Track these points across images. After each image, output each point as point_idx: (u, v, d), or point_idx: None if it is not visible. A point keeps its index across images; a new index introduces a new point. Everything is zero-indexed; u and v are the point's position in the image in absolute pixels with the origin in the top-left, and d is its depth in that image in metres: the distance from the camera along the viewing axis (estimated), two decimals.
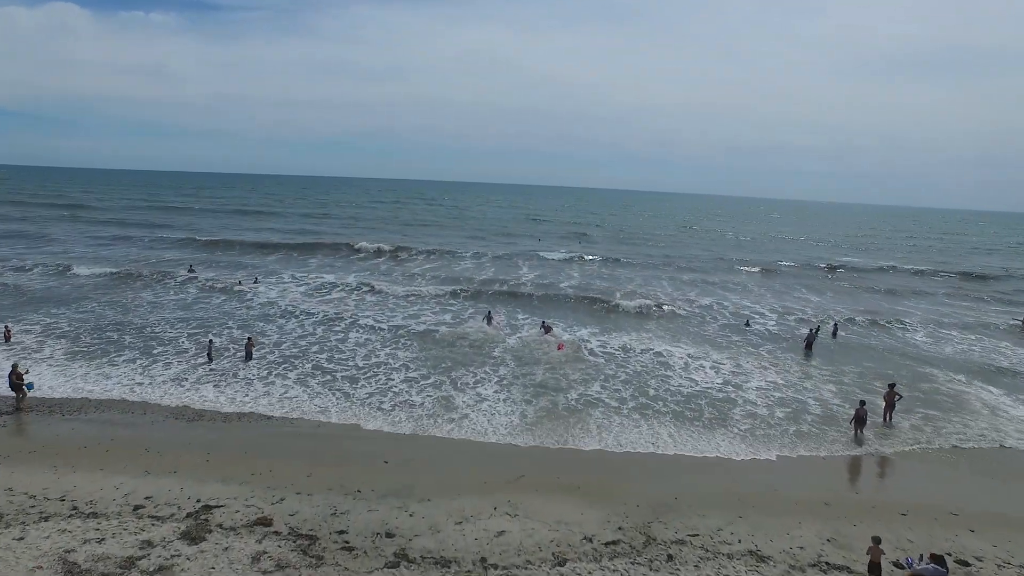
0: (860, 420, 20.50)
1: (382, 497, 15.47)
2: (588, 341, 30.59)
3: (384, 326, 31.83)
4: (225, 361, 25.16)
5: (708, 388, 24.22)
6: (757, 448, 18.96)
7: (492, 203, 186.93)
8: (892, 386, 22.39)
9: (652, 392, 23.36)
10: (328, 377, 23.56)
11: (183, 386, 22.25)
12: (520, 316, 36.38)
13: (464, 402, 21.45)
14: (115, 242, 61.54)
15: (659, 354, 28.90)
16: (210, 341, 26.15)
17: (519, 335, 31.68)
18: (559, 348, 28.82)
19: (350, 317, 33.36)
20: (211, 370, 23.88)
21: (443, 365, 25.64)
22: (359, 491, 15.69)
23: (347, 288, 40.45)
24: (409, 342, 29.01)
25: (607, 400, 22.25)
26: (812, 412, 22.24)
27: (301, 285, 41.42)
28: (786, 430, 20.48)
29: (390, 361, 25.96)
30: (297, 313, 33.83)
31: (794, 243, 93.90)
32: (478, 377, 24.27)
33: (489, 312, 34.51)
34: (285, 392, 21.85)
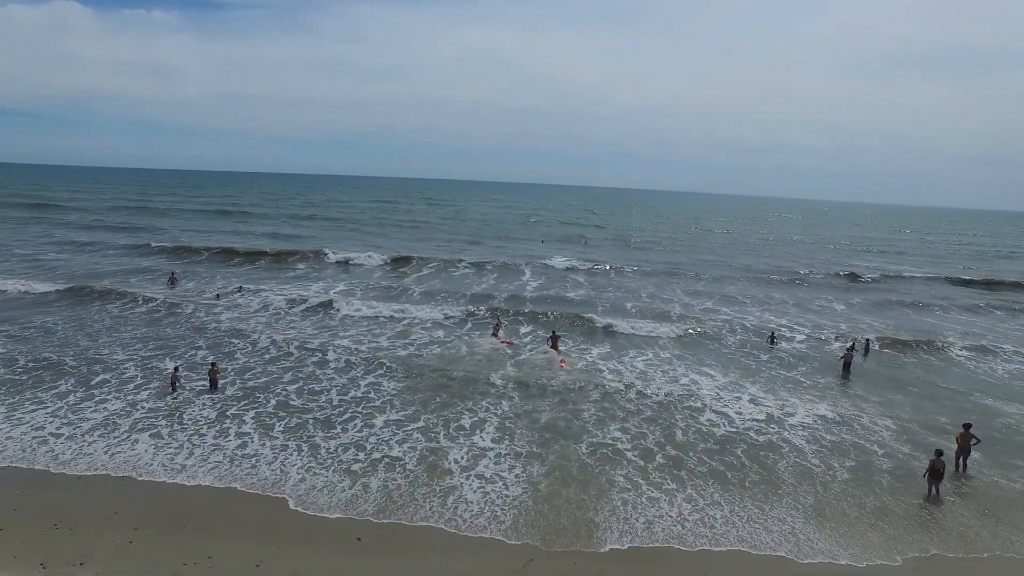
0: (936, 474, 16.86)
1: None
2: (601, 368, 26.89)
3: (370, 347, 28.08)
4: (186, 392, 21.51)
5: (746, 429, 20.50)
6: (830, 540, 14.22)
7: (492, 202, 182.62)
8: (967, 427, 18.73)
9: (681, 436, 19.65)
10: (296, 420, 19.70)
11: (114, 435, 18.08)
12: (523, 330, 33.03)
13: (457, 460, 17.36)
14: (70, 249, 54.77)
15: (681, 382, 25.35)
16: (175, 369, 22.67)
17: (524, 353, 28.58)
18: (561, 364, 26.49)
19: (331, 336, 29.70)
20: (151, 410, 19.87)
21: (436, 400, 21.93)
22: None
23: (330, 302, 36.59)
24: (397, 368, 25.29)
25: (629, 453, 18.26)
26: (881, 467, 18.39)
27: (278, 297, 37.37)
28: (861, 503, 15.99)
29: (372, 395, 22.17)
30: (270, 332, 30.04)
31: (804, 246, 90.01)
32: (476, 416, 20.55)
33: (497, 323, 32.18)
34: (242, 445, 17.71)
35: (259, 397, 21.57)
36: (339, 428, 19.18)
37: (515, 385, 23.77)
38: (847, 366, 28.12)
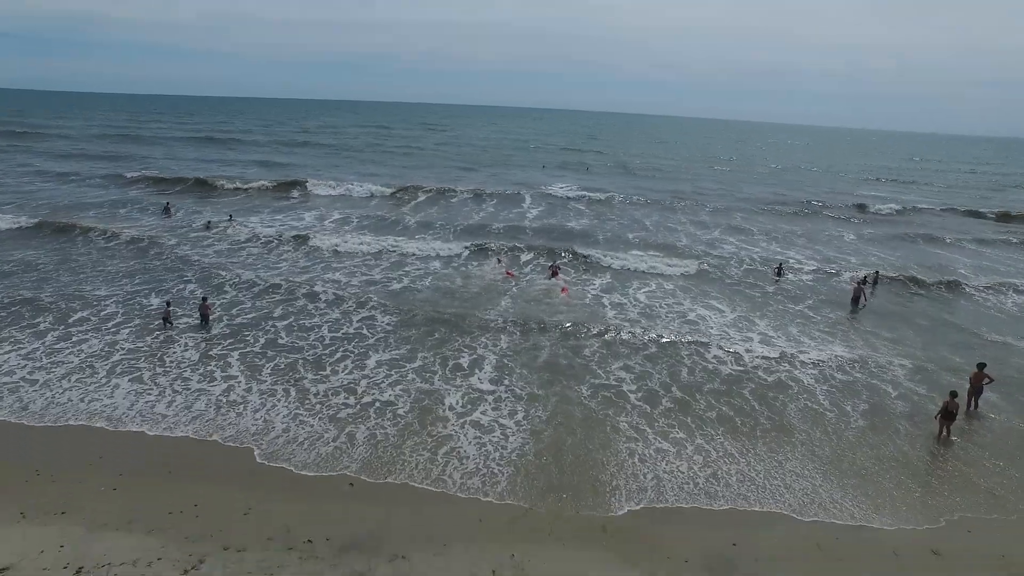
0: (949, 415, 16.20)
1: (341, 551, 11.33)
2: (604, 301, 25.92)
3: (362, 281, 27.04)
4: (172, 332, 20.58)
5: (754, 367, 19.68)
6: (856, 501, 13.24)
7: (492, 127, 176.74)
8: (982, 367, 17.97)
9: (686, 377, 18.86)
10: (285, 360, 18.82)
11: (93, 379, 17.18)
12: (524, 258, 32.25)
13: (453, 405, 16.47)
14: (52, 179, 52.25)
15: (686, 316, 24.46)
16: (167, 304, 21.73)
17: (524, 283, 28.06)
18: (563, 292, 26.29)
19: (323, 269, 28.56)
20: (131, 352, 18.89)
21: (432, 337, 21.01)
22: (310, 541, 11.54)
23: (321, 234, 35.20)
24: (391, 303, 24.32)
25: (634, 397, 17.37)
26: (894, 410, 17.57)
27: (268, 228, 35.82)
28: (880, 453, 15.07)
29: (365, 332, 21.27)
30: (259, 265, 28.93)
31: (813, 175, 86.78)
32: (475, 354, 19.72)
33: (500, 254, 31.84)
34: (228, 389, 16.86)
35: (247, 335, 20.68)
36: (329, 370, 18.33)
37: (514, 320, 22.86)
38: (856, 300, 27.31)
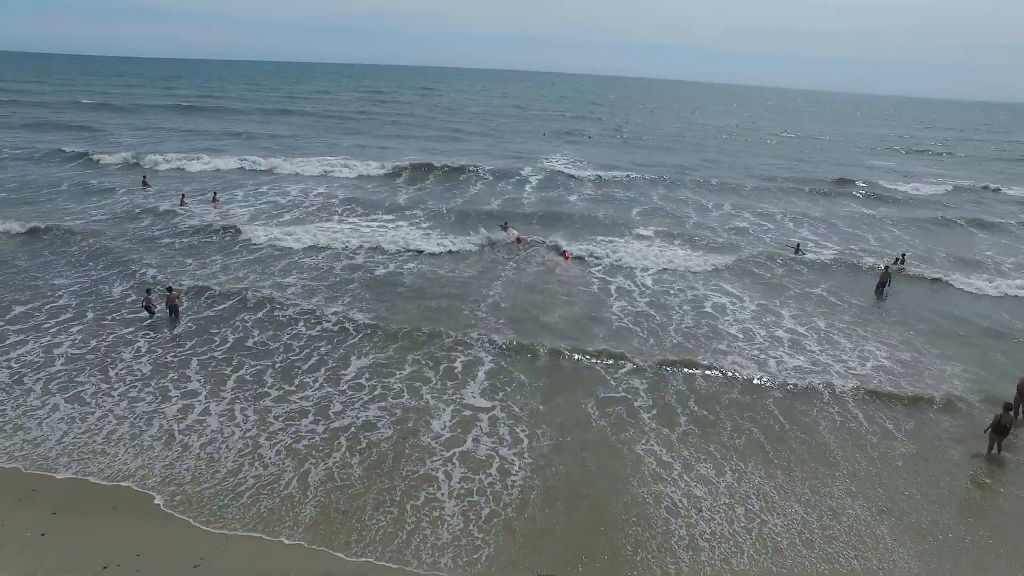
0: (1002, 430, 14.25)
1: None
2: (609, 287, 23.67)
3: (345, 267, 24.70)
4: (129, 328, 18.33)
5: (779, 370, 17.54)
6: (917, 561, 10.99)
7: (489, 92, 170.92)
8: None
9: (703, 386, 16.55)
10: (252, 369, 16.54)
11: (20, 401, 14.68)
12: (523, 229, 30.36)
13: (440, 431, 13.99)
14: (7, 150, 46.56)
15: (701, 305, 22.25)
16: (147, 292, 19.81)
17: (523, 258, 26.85)
18: (564, 256, 26.84)
19: (301, 255, 26.06)
20: (72, 359, 16.58)
21: (420, 332, 18.72)
22: None
23: (299, 214, 32.47)
24: (375, 290, 22.09)
25: (647, 416, 14.99)
26: (941, 426, 15.47)
27: (243, 209, 33.10)
28: (939, 494, 12.76)
29: (347, 328, 18.93)
30: (235, 247, 26.57)
31: (827, 145, 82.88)
32: (469, 354, 17.54)
33: (506, 223, 30.69)
34: (184, 411, 14.43)
35: (214, 333, 18.47)
36: (298, 382, 15.95)
37: (510, 308, 20.66)
38: (882, 286, 25.25)
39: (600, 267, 26.21)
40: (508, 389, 16.02)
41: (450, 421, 14.47)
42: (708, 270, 26.32)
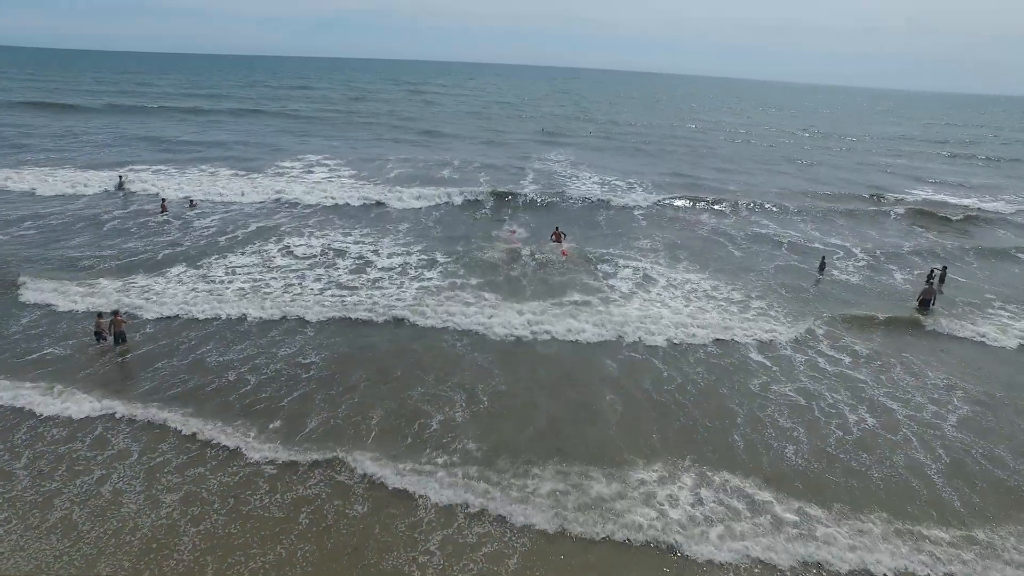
0: None
1: None
2: (617, 321, 20.25)
3: (315, 304, 21.66)
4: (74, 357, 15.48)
5: (840, 440, 14.15)
6: None
7: (478, 90, 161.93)
8: None
9: (739, 451, 13.73)
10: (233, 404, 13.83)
11: None
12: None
13: None
14: None
15: (725, 344, 18.93)
16: (99, 316, 17.58)
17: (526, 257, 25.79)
18: (563, 254, 26.01)
19: (263, 272, 23.10)
20: None
21: (394, 376, 15.92)
22: None
23: (269, 228, 28.85)
24: (351, 325, 19.15)
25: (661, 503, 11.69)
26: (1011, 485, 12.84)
27: (204, 223, 29.46)
28: None
29: (308, 369, 16.12)
30: (184, 265, 23.52)
31: (837, 144, 76.60)
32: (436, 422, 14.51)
33: (513, 222, 30.57)
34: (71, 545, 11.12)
35: (160, 369, 15.70)
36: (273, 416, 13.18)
37: (498, 356, 17.70)
38: (926, 303, 22.54)
39: (620, 288, 23.24)
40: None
41: None
42: (739, 301, 22.47)
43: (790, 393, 15.87)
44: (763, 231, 32.14)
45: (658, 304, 21.41)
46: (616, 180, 42.63)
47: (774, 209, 37.21)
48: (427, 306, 20.01)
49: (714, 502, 11.64)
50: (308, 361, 16.46)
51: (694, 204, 36.96)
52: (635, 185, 41.26)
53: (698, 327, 19.63)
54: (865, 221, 36.27)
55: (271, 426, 13.44)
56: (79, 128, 56.62)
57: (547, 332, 18.77)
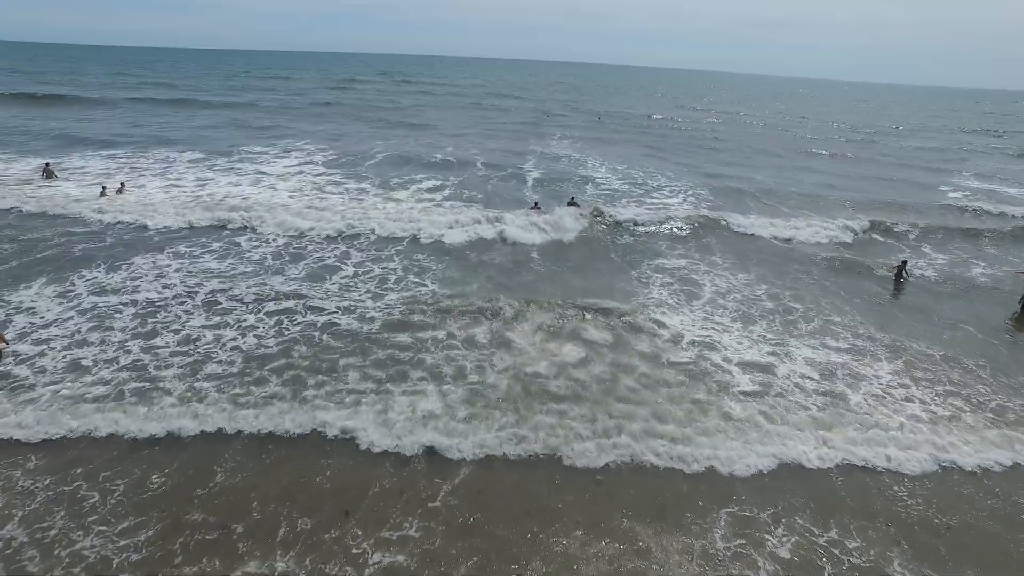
0: None
1: None
2: (645, 342, 16.77)
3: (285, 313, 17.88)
4: None
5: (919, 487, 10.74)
6: None
7: (486, 84, 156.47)
8: None
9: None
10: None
11: None
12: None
13: None
14: None
15: (789, 368, 15.30)
16: None
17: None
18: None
19: (231, 278, 19.39)
20: None
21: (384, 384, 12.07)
22: None
23: (244, 223, 25.47)
24: (332, 334, 15.44)
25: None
26: None
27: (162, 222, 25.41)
28: None
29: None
30: (141, 260, 19.88)
31: (857, 147, 64.86)
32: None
33: (536, 202, 28.28)
34: None
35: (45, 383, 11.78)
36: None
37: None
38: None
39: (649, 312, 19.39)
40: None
41: None
42: (780, 328, 18.51)
43: None
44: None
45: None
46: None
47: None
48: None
49: None
50: None
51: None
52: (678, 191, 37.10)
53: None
54: None
55: None
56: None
57: None
